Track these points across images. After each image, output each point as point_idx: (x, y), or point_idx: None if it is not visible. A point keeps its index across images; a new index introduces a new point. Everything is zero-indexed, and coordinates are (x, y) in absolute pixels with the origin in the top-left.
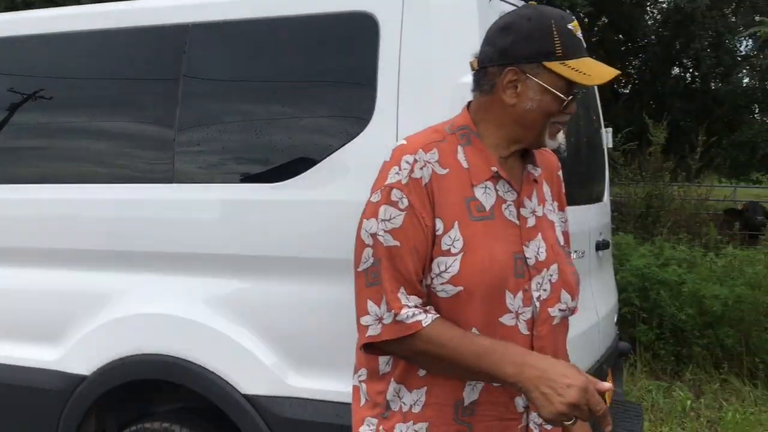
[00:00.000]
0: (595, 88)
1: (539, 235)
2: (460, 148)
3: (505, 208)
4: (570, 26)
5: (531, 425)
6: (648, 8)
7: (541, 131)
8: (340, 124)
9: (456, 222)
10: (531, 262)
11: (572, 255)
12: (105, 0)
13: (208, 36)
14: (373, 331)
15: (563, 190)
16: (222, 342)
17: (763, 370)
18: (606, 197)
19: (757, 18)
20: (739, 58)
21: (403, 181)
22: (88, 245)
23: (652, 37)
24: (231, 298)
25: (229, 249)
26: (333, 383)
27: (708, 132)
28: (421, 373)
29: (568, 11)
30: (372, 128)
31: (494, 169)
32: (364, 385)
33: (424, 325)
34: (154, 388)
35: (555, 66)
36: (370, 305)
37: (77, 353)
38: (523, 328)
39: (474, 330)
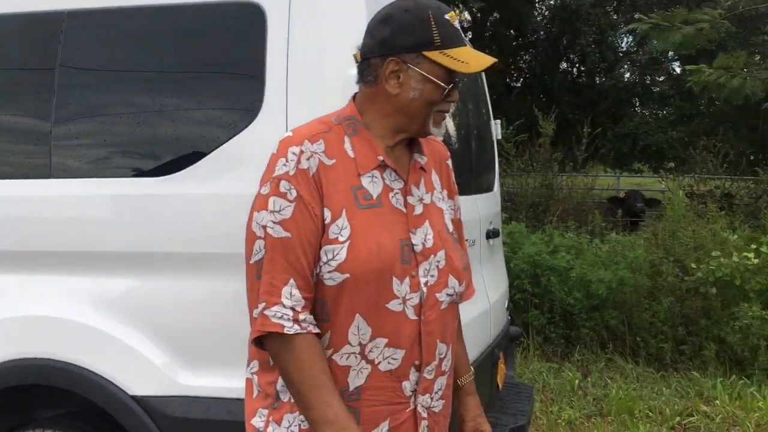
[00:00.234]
0: (484, 81)
1: (426, 223)
2: (346, 139)
3: (392, 196)
4: (447, 16)
5: (419, 408)
6: (537, 5)
7: (425, 120)
8: (228, 115)
9: (343, 210)
10: (418, 248)
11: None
12: None
13: (86, 24)
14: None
15: (453, 179)
16: (108, 343)
17: (644, 349)
18: (496, 187)
19: (636, 15)
20: (621, 54)
21: (291, 173)
22: None
23: (541, 33)
24: (117, 298)
25: (113, 246)
26: (225, 380)
27: (593, 124)
28: None
29: (460, 5)
30: (261, 120)
31: (381, 158)
32: (256, 377)
33: (284, 331)
34: (45, 394)
35: (434, 55)
36: (259, 297)
37: None
38: (411, 314)
39: (359, 316)
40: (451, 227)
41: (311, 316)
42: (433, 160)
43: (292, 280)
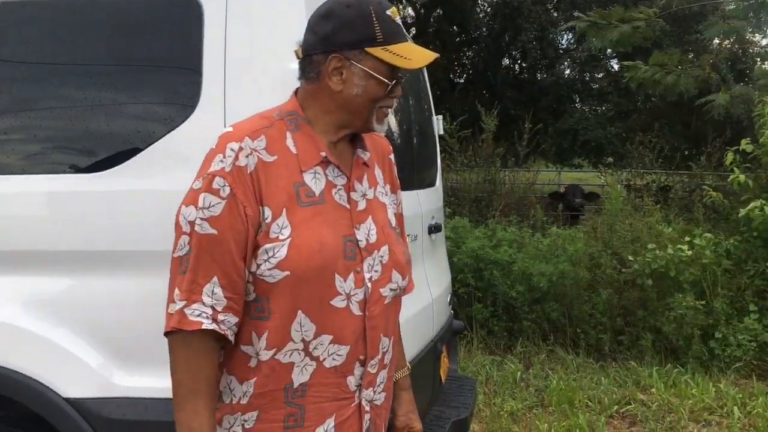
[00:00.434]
0: (426, 77)
1: (370, 218)
2: (288, 134)
3: (335, 193)
4: (389, 12)
5: (363, 403)
6: (479, 1)
7: (368, 116)
8: (164, 110)
9: (284, 209)
10: (362, 244)
11: (407, 236)
12: None
13: (16, 15)
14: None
15: (395, 173)
16: (40, 345)
17: (584, 340)
18: (438, 182)
19: (575, 14)
20: (561, 51)
21: (227, 169)
22: None
23: (484, 29)
24: (50, 298)
25: (45, 245)
26: (164, 380)
27: (534, 120)
28: (253, 363)
29: (404, 1)
30: (198, 115)
31: (323, 154)
32: None
33: (202, 327)
34: None
35: (377, 51)
36: (176, 293)
37: None
38: (356, 309)
39: (301, 313)
40: (394, 222)
41: (232, 319)
42: (376, 155)
43: (215, 278)
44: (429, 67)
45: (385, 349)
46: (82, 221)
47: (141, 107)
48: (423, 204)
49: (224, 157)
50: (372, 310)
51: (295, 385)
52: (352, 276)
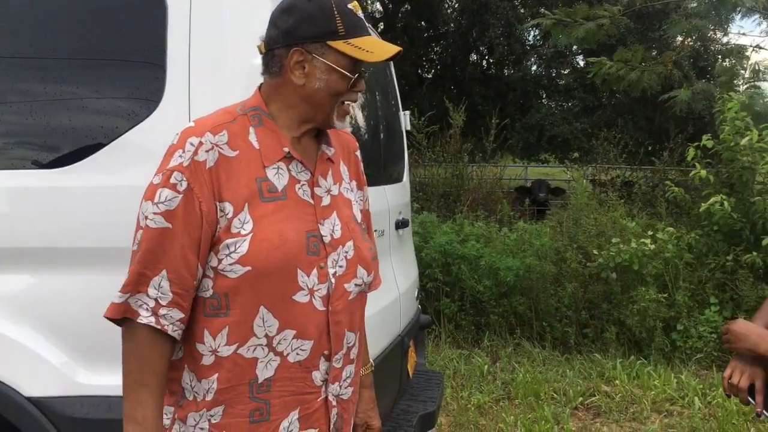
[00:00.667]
0: (393, 72)
1: (334, 214)
2: (251, 129)
3: (299, 188)
4: (350, 6)
5: (330, 397)
6: None
7: (330, 110)
8: (127, 105)
9: (246, 204)
10: (327, 239)
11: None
12: None
13: None
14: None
15: (362, 170)
16: (1, 344)
17: (550, 333)
18: (405, 178)
19: (542, 10)
20: (528, 47)
21: (185, 164)
22: None
23: (452, 25)
24: (11, 296)
25: (5, 241)
26: None
27: (502, 115)
28: (208, 361)
29: None
30: (162, 110)
31: (286, 149)
32: None
33: (137, 319)
34: None
35: (339, 45)
36: (124, 282)
37: None
38: (319, 305)
39: (263, 309)
40: (359, 218)
41: (176, 315)
42: (342, 151)
43: (164, 272)
44: (397, 62)
45: (350, 344)
46: (44, 218)
47: (104, 102)
48: (390, 199)
49: (183, 151)
50: (336, 305)
51: (260, 380)
52: (315, 271)
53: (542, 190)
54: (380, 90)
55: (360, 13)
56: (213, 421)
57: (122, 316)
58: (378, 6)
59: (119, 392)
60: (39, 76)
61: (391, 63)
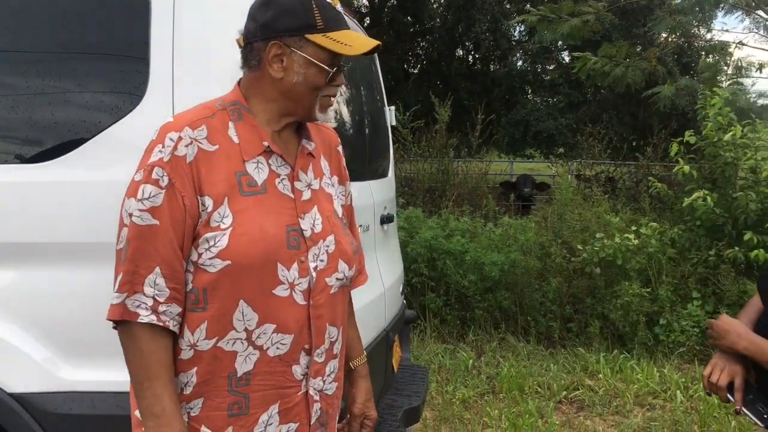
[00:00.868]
0: (378, 67)
1: (315, 208)
2: (231, 124)
3: (279, 182)
4: (329, 0)
5: (311, 392)
6: None
7: (310, 104)
8: (110, 99)
9: (225, 198)
10: (307, 234)
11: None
12: None
13: None
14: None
15: (344, 165)
16: None
17: (534, 327)
18: (390, 173)
19: (528, 6)
20: (514, 43)
21: (165, 159)
22: None
23: (438, 20)
24: None
25: None
26: (112, 373)
27: (487, 111)
28: (187, 355)
29: None
30: (146, 105)
31: (266, 143)
32: None
33: (138, 320)
34: None
35: (317, 38)
36: (118, 284)
37: None
38: (299, 299)
39: (243, 303)
40: (340, 212)
41: (175, 309)
42: (323, 146)
43: (157, 269)
44: (382, 57)
45: (333, 339)
46: (26, 212)
47: (87, 96)
48: (375, 194)
49: (163, 147)
50: (317, 299)
51: (239, 374)
52: (296, 265)
53: (527, 185)
54: (365, 85)
55: (339, 7)
56: (192, 414)
57: (120, 318)
58: (364, 0)
59: (102, 388)
60: (21, 70)
61: (377, 58)
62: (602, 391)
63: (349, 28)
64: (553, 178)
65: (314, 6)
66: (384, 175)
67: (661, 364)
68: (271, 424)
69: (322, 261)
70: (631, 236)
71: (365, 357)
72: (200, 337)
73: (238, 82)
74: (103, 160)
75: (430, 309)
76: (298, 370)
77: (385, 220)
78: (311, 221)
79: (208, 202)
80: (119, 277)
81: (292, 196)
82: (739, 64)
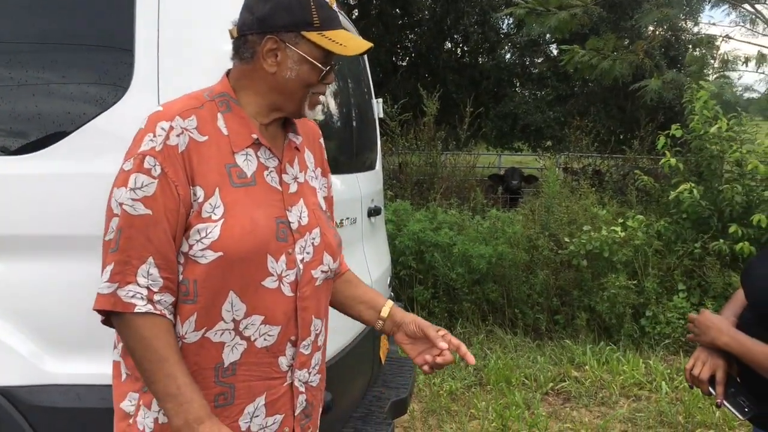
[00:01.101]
0: (366, 60)
1: (301, 201)
2: (219, 115)
3: (267, 175)
4: None
5: (296, 383)
6: None
7: (301, 101)
8: (95, 91)
9: (217, 189)
10: (294, 226)
11: (340, 220)
12: None
13: None
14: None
15: (325, 157)
16: None
17: (521, 320)
18: (378, 165)
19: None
20: (502, 35)
21: (158, 148)
22: None
23: (426, 12)
24: None
25: None
26: (96, 366)
27: (476, 104)
28: None
29: None
30: (131, 96)
31: (255, 136)
32: (123, 360)
33: (135, 310)
34: None
35: (313, 36)
36: (107, 274)
37: None
38: (287, 291)
39: (232, 294)
40: (324, 205)
41: (169, 299)
42: (306, 139)
43: (151, 259)
44: (371, 49)
45: (317, 331)
46: (11, 204)
47: (71, 87)
48: (362, 187)
49: (155, 136)
50: (303, 291)
51: (226, 364)
52: (284, 257)
53: (515, 178)
54: (353, 77)
55: (335, 7)
56: None
57: (112, 309)
58: None
59: (87, 380)
60: (4, 61)
61: None
62: (588, 382)
63: (343, 28)
64: (540, 171)
65: (312, 4)
66: (371, 167)
67: (646, 355)
68: (258, 416)
69: (308, 253)
70: (618, 229)
71: (392, 302)
72: (189, 329)
73: (227, 73)
74: (87, 151)
75: (418, 302)
76: (284, 362)
77: (373, 212)
78: (298, 214)
79: (200, 192)
80: (110, 267)
81: (279, 188)
82: (726, 58)
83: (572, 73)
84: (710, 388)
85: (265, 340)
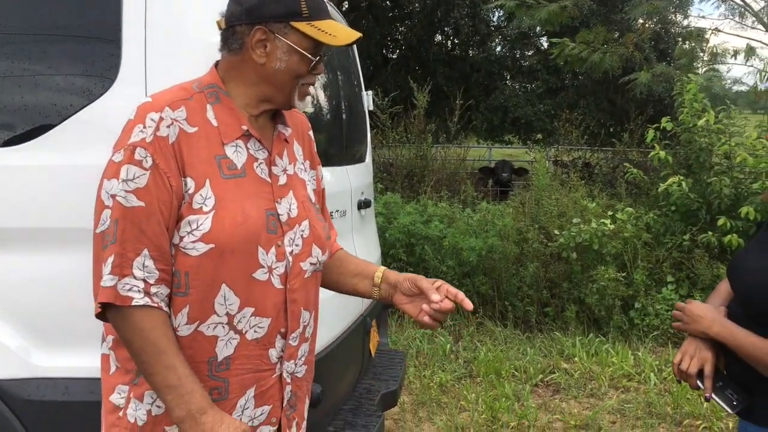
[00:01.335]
0: (356, 53)
1: (291, 193)
2: (209, 107)
3: (257, 166)
4: None
5: (284, 374)
6: None
7: (290, 92)
8: (82, 82)
9: (207, 180)
10: (284, 218)
11: (330, 212)
12: None
13: None
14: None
15: (315, 149)
16: None
17: (511, 312)
18: (368, 158)
19: None
20: (493, 28)
21: (148, 140)
22: None
23: (417, 4)
24: None
25: None
26: (84, 359)
27: (466, 96)
28: None
29: None
30: (118, 87)
31: (245, 127)
32: (113, 353)
33: (132, 303)
34: None
35: (302, 26)
36: (104, 267)
37: None
38: (277, 283)
39: (225, 287)
40: (313, 197)
41: (165, 291)
42: (296, 131)
43: (145, 251)
44: (361, 42)
45: (306, 323)
46: None
47: (58, 79)
48: (352, 179)
49: (144, 127)
50: (293, 284)
51: (219, 358)
52: (273, 249)
53: (505, 170)
54: (343, 70)
55: None
56: None
57: (111, 302)
58: None
59: (75, 374)
60: None
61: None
62: (578, 374)
63: (332, 18)
64: (531, 164)
65: None
66: (361, 160)
67: (635, 347)
68: (248, 407)
69: (297, 246)
70: (607, 221)
71: (384, 267)
72: (181, 322)
73: (216, 65)
74: (74, 143)
75: None
76: (273, 354)
77: (363, 205)
78: (287, 206)
79: (190, 183)
80: (110, 259)
81: (269, 180)
82: (715, 51)
83: (562, 65)
84: (698, 382)
85: (255, 332)
